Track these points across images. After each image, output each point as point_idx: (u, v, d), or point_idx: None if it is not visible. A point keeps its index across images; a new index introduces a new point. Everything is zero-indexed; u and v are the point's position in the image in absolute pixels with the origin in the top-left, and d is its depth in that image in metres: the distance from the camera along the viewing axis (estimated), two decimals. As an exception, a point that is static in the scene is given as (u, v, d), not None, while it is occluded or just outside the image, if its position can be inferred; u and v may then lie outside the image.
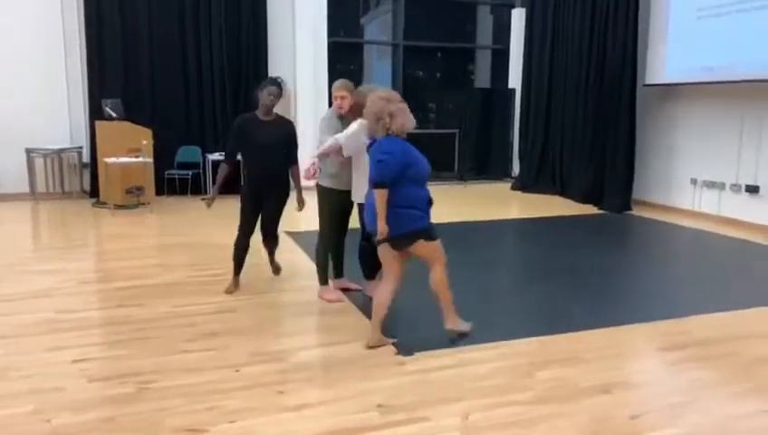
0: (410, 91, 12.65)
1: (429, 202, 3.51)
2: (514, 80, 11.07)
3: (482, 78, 12.75)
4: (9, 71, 8.60)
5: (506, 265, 5.82)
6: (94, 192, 8.88)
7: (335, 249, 4.53)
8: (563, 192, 9.48)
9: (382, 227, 3.33)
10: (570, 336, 3.81)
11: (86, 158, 9.09)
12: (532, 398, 2.98)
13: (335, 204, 4.31)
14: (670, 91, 8.16)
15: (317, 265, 4.49)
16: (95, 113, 8.73)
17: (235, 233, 4.46)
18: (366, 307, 4.24)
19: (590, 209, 8.53)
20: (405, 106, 3.49)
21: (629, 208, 8.27)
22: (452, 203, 8.78)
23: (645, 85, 8.23)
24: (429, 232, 3.48)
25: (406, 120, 3.45)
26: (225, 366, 3.30)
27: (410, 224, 3.41)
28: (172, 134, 9.25)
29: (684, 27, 7.70)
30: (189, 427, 2.68)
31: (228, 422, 2.72)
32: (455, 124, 11.86)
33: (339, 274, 4.65)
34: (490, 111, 11.69)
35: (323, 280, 4.50)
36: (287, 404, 2.90)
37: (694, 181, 7.87)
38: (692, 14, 7.59)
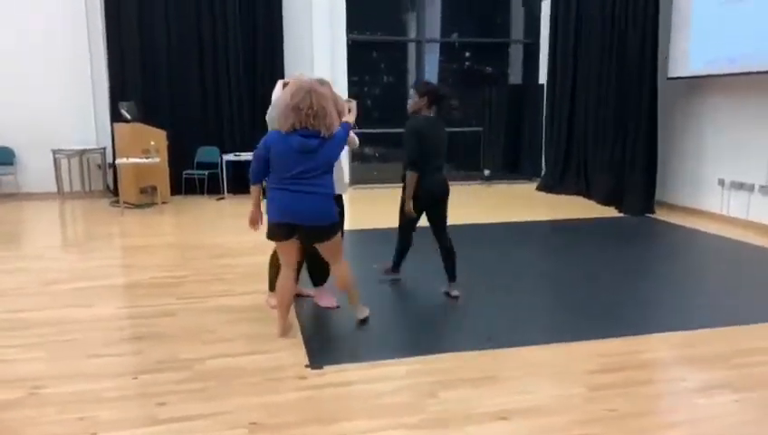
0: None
1: None
2: (544, 75, 10.57)
3: (515, 74, 12.30)
4: (37, 72, 9.00)
5: (484, 272, 5.23)
6: (116, 191, 9.15)
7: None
8: (588, 193, 8.95)
9: None
10: (508, 352, 3.51)
11: (110, 158, 9.39)
12: (418, 422, 2.74)
13: None
14: (696, 84, 7.49)
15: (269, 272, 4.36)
16: (115, 115, 9.00)
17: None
18: (306, 315, 4.11)
19: (610, 212, 7.99)
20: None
21: (652, 211, 7.68)
22: (467, 204, 8.45)
23: (669, 79, 7.61)
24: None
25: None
26: (125, 373, 3.23)
27: None
28: (191, 135, 9.41)
29: (708, 13, 7.03)
30: (47, 437, 2.62)
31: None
32: (481, 122, 11.51)
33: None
34: (520, 108, 11.26)
35: (271, 286, 4.37)
36: (160, 417, 2.79)
37: (721, 182, 7.20)
38: (716, -2, 6.94)
